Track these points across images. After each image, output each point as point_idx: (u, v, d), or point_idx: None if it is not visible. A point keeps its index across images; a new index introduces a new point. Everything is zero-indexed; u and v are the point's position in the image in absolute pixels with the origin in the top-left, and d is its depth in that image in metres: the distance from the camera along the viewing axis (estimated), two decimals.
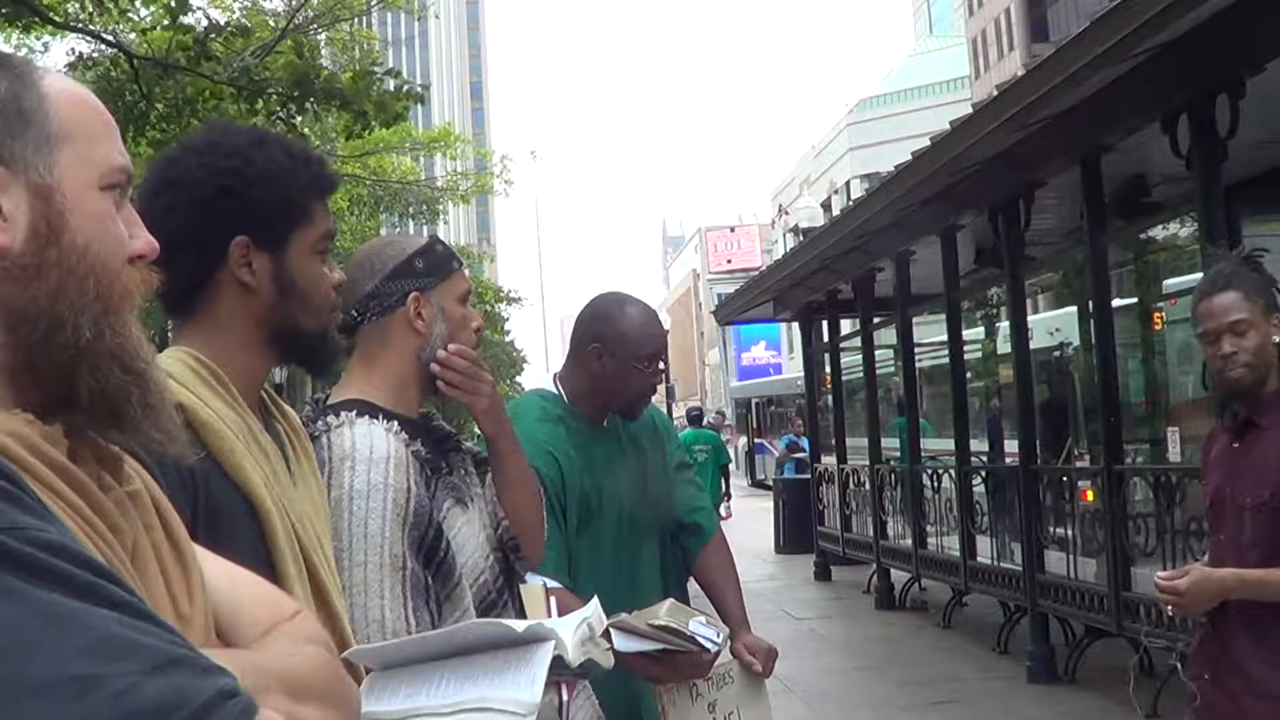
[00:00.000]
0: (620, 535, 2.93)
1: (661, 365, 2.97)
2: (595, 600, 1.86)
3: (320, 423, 2.04)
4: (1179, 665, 3.10)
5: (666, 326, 3.01)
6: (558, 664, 1.48)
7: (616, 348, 2.90)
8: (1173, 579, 2.91)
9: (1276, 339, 2.91)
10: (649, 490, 3.03)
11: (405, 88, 12.32)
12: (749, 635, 3.00)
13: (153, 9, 12.90)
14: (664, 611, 2.66)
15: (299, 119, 12.25)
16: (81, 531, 0.88)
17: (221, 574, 1.09)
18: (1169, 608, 2.94)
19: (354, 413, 2.05)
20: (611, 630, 2.61)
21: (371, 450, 1.97)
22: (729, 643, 2.83)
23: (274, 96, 11.58)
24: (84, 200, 0.98)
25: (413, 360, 2.15)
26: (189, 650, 0.78)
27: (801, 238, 18.09)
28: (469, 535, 2.17)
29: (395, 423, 2.05)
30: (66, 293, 0.95)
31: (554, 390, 2.99)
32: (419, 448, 2.06)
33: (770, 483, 22.39)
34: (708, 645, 2.66)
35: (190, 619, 0.99)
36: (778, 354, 57.22)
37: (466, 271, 2.33)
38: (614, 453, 2.99)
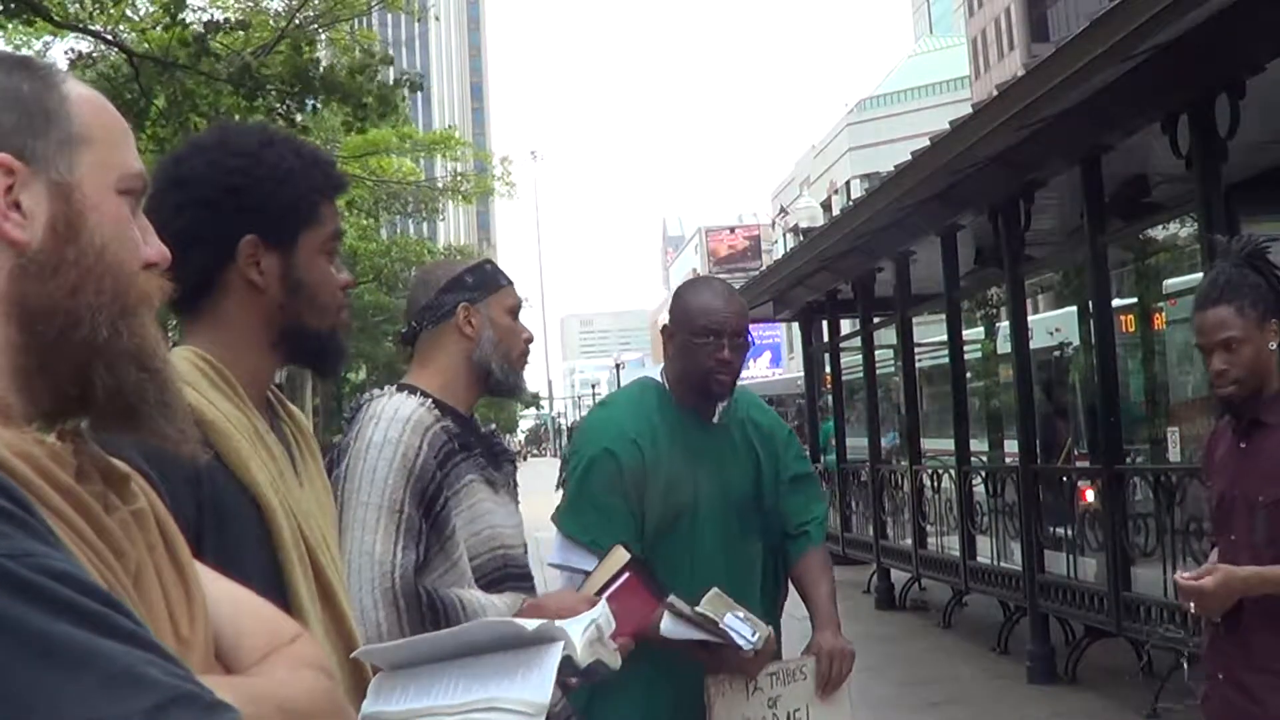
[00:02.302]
0: (727, 532, 2.94)
1: (738, 342, 2.92)
2: (604, 601, 1.89)
3: (365, 395, 2.36)
4: (1187, 666, 3.09)
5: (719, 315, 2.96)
6: (566, 664, 1.48)
7: (678, 325, 2.96)
8: (1196, 579, 2.89)
9: (1273, 345, 2.90)
10: (760, 494, 3.03)
11: (403, 77, 12.33)
12: (822, 634, 2.95)
13: (153, 8, 12.91)
14: (705, 599, 2.65)
15: (299, 115, 12.25)
16: (86, 557, 0.88)
17: (222, 595, 1.09)
18: (1191, 606, 2.92)
19: (395, 388, 2.37)
20: (664, 613, 2.62)
21: (395, 413, 2.26)
22: (771, 642, 2.78)
23: (273, 93, 11.58)
24: (102, 202, 0.99)
25: (464, 360, 2.42)
26: (195, 686, 0.77)
27: (801, 238, 18.09)
28: (493, 509, 2.37)
29: (430, 400, 2.32)
30: (84, 291, 0.95)
31: (659, 380, 3.05)
32: (450, 424, 2.30)
33: None
34: (739, 642, 2.64)
35: (191, 642, 0.99)
36: (779, 370, 56.79)
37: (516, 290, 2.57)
38: (721, 446, 2.99)
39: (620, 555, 2.53)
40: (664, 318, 3.17)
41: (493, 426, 2.66)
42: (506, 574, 2.35)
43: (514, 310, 2.48)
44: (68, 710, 0.71)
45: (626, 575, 2.48)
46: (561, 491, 2.96)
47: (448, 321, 2.41)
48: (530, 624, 1.47)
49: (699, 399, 2.98)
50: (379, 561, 2.11)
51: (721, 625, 2.62)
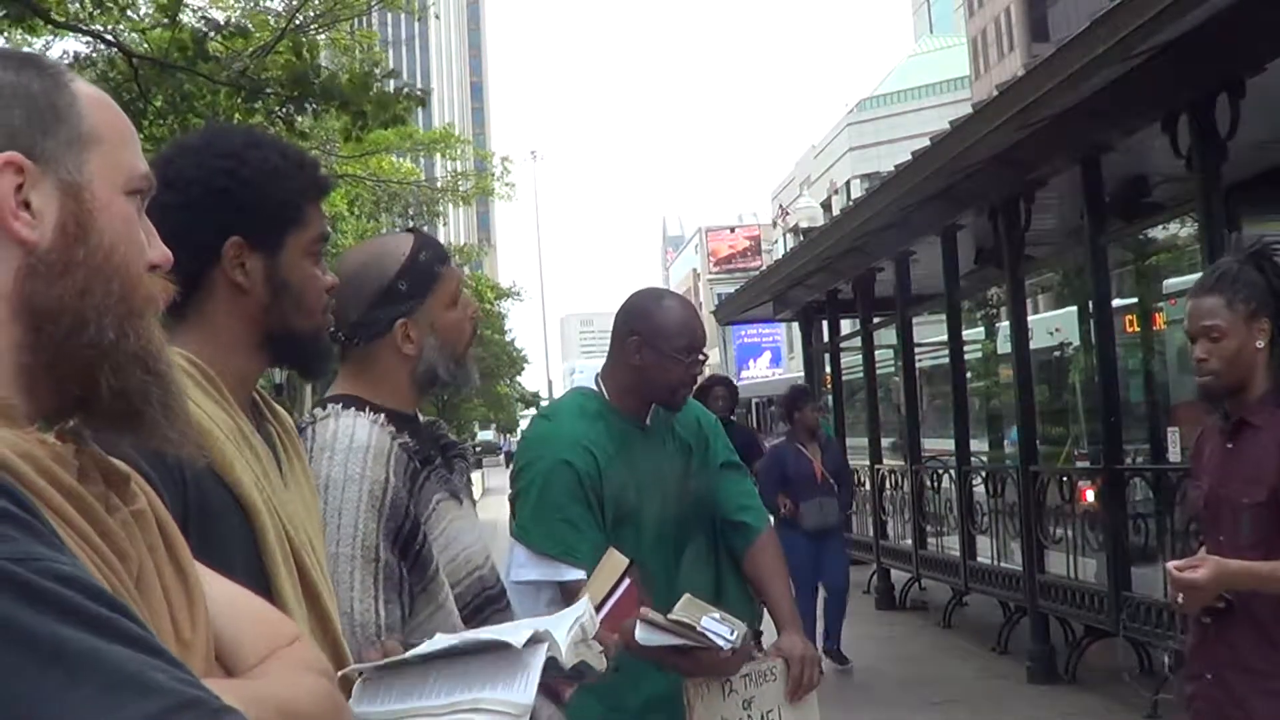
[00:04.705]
0: (662, 532, 2.94)
1: (702, 358, 3.01)
2: (587, 600, 1.87)
3: (308, 414, 2.08)
4: (1176, 665, 3.09)
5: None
6: (551, 665, 1.48)
7: (655, 340, 2.94)
8: (1188, 569, 2.89)
9: (1260, 344, 2.91)
10: (691, 488, 3.03)
11: (405, 90, 12.31)
12: (788, 637, 2.95)
13: (150, 8, 12.91)
14: (679, 606, 2.65)
15: (298, 119, 12.25)
16: (89, 559, 0.87)
17: (222, 596, 1.08)
18: (1179, 597, 2.92)
19: (340, 405, 2.07)
20: (637, 622, 2.61)
21: (351, 440, 1.98)
22: (749, 640, 2.78)
23: (272, 96, 11.58)
24: (111, 202, 0.98)
25: (407, 372, 2.17)
26: (202, 691, 0.77)
27: (801, 238, 18.10)
28: (465, 529, 2.18)
29: (383, 415, 2.06)
30: (92, 292, 0.95)
31: (595, 389, 3.03)
32: (407, 440, 2.06)
33: None
34: (719, 643, 2.65)
35: (192, 644, 0.99)
36: (779, 370, 56.68)
37: (455, 265, 2.27)
38: (656, 450, 3.00)
39: (619, 562, 2.46)
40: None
41: (434, 420, 2.38)
42: (486, 597, 2.20)
43: (455, 297, 2.20)
44: (74, 716, 0.70)
45: (627, 583, 2.44)
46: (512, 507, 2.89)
47: (384, 338, 2.13)
48: (520, 639, 1.46)
49: (647, 407, 3.00)
50: (360, 624, 1.85)
51: (699, 628, 2.63)
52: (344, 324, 2.11)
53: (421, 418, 2.30)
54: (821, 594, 8.70)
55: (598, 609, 2.25)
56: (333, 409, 2.05)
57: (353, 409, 2.05)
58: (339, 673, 1.53)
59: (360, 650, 1.76)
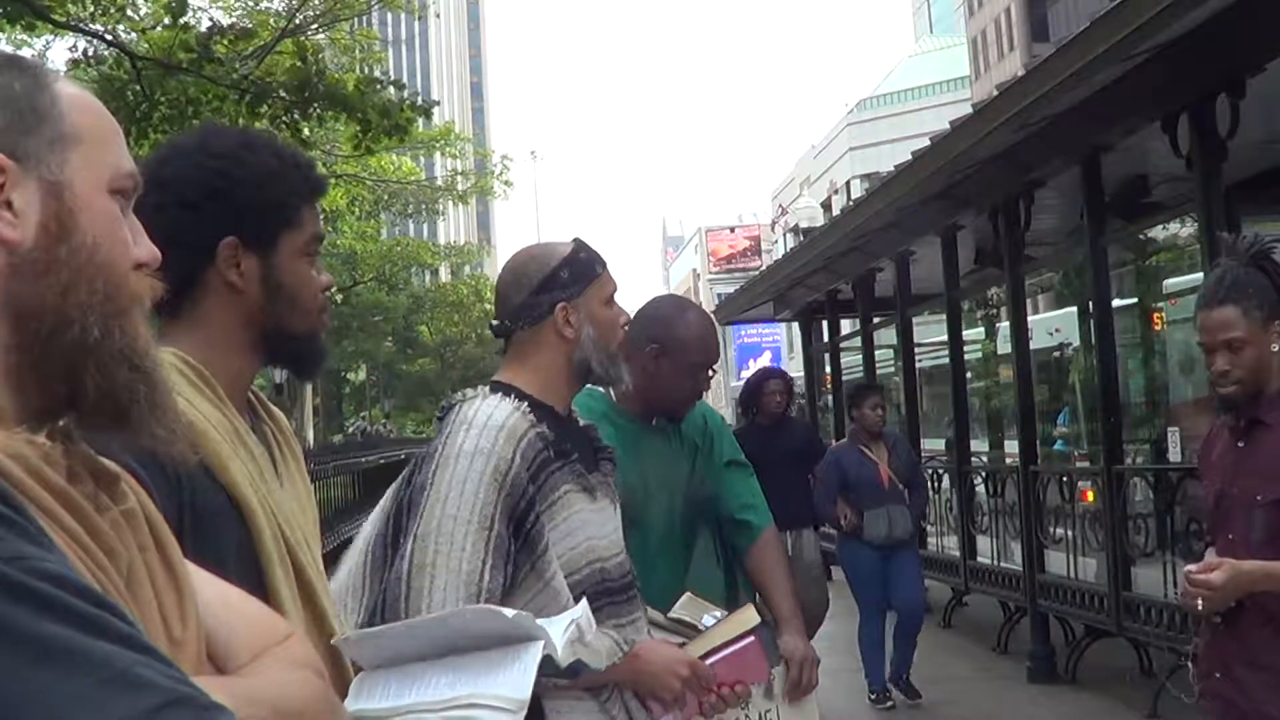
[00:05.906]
0: (671, 531, 2.97)
1: (712, 373, 3.06)
2: (584, 602, 1.89)
3: (459, 394, 2.26)
4: (1189, 665, 3.08)
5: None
6: (547, 664, 1.49)
7: (673, 352, 2.97)
8: (1205, 572, 2.87)
9: (1275, 347, 2.90)
10: (696, 486, 3.07)
11: (409, 100, 12.31)
12: (789, 637, 2.95)
13: (152, 8, 12.91)
14: (679, 604, 2.66)
15: (303, 124, 12.26)
16: (78, 557, 0.87)
17: (214, 595, 1.08)
18: (1199, 602, 2.90)
19: (488, 389, 2.26)
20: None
21: (489, 419, 2.16)
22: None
23: (278, 101, 11.58)
24: (94, 201, 0.98)
25: (565, 360, 2.32)
26: (191, 688, 0.77)
27: (801, 238, 18.11)
28: (590, 519, 2.27)
29: (526, 404, 2.21)
30: (76, 291, 0.95)
31: (601, 390, 3.03)
32: (545, 430, 2.20)
33: None
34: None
35: (183, 643, 0.99)
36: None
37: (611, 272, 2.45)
38: (663, 450, 3.03)
39: (750, 617, 2.46)
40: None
41: (591, 424, 2.53)
42: (604, 588, 2.27)
43: (610, 298, 2.37)
44: (63, 714, 0.70)
45: (750, 640, 2.42)
46: None
47: (545, 322, 2.30)
48: (509, 612, 1.47)
49: (657, 414, 3.02)
50: (466, 581, 2.02)
51: (700, 627, 2.63)
52: (509, 310, 2.33)
53: (582, 421, 2.43)
54: (891, 617, 7.83)
55: (712, 652, 2.31)
56: (481, 390, 2.26)
57: (499, 394, 2.23)
58: (331, 640, 1.54)
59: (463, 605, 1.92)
